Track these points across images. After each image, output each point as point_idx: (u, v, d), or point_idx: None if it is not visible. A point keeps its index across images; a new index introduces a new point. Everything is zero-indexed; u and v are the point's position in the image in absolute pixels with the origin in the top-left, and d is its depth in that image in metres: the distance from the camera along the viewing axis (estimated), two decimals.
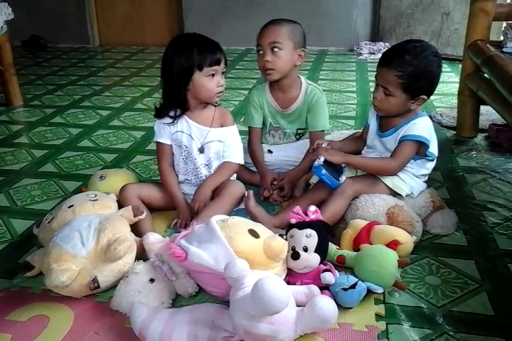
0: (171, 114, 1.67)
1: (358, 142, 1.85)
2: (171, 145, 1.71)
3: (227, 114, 1.75)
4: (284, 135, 1.97)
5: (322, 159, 1.57)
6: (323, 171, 1.54)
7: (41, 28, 4.93)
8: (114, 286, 1.29)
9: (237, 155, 1.73)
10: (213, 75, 1.60)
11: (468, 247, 1.52)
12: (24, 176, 2.10)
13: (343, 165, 1.67)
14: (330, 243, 1.39)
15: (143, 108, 3.06)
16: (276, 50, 1.76)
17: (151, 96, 3.29)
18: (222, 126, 1.71)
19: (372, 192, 1.59)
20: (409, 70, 1.55)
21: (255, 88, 1.95)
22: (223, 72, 1.63)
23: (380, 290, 1.27)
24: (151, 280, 1.26)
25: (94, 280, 1.27)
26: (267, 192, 1.81)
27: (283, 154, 1.96)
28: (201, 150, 1.70)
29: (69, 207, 1.47)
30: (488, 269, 1.41)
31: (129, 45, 5.04)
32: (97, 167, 2.17)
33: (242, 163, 1.77)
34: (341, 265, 1.38)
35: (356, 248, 1.42)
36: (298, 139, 1.98)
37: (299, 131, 1.96)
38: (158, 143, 1.72)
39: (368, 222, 1.47)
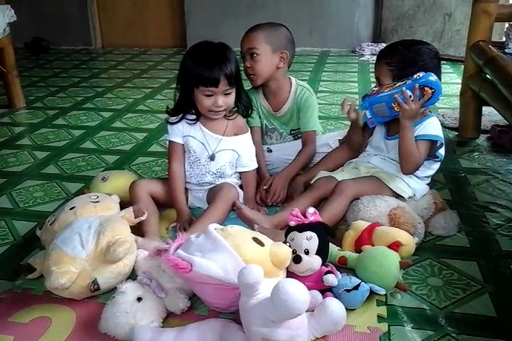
0: (189, 117, 1.68)
1: (344, 152, 1.82)
2: (183, 145, 1.71)
3: (241, 122, 1.74)
4: (281, 136, 1.99)
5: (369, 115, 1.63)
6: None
7: (43, 30, 4.94)
8: (115, 287, 1.29)
9: (253, 161, 1.77)
10: (211, 95, 1.58)
11: (471, 248, 1.52)
12: (26, 178, 2.11)
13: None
14: (331, 244, 1.38)
15: (145, 110, 3.06)
16: (254, 55, 1.79)
17: (153, 98, 3.29)
18: (236, 134, 1.71)
19: (374, 194, 1.58)
20: (398, 58, 1.57)
21: (250, 91, 1.94)
22: (227, 93, 1.59)
23: (383, 292, 1.27)
24: (139, 299, 1.19)
25: (94, 282, 1.27)
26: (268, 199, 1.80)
27: (282, 153, 1.97)
28: (212, 157, 1.69)
29: (71, 209, 1.47)
30: (490, 270, 1.41)
31: (131, 47, 5.04)
32: (100, 168, 2.18)
33: (257, 166, 1.79)
34: (343, 266, 1.38)
35: (358, 249, 1.42)
36: (296, 139, 1.99)
37: (292, 132, 1.98)
38: (170, 141, 1.72)
39: (369, 223, 1.46)
